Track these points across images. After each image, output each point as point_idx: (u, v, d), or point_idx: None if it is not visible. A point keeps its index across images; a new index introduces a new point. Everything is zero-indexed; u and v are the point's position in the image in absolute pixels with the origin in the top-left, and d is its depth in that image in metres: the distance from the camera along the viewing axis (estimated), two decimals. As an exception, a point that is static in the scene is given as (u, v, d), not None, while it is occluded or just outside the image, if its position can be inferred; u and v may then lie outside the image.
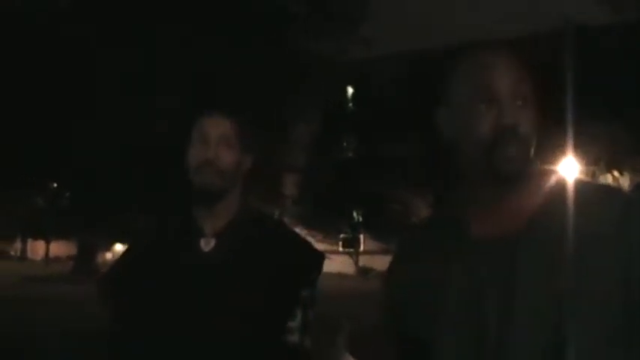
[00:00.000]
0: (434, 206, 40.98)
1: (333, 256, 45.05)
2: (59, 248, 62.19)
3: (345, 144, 46.05)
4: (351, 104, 46.05)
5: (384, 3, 35.13)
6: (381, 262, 45.81)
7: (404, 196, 42.86)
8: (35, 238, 62.22)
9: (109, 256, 72.96)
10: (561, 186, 1.76)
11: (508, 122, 1.70)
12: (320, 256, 2.74)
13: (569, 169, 28.14)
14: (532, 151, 1.75)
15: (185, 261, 2.59)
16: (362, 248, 48.22)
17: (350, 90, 46.13)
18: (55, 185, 35.54)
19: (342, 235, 47.75)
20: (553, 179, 1.79)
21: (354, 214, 46.44)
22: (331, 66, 28.73)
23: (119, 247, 73.92)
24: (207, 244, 2.60)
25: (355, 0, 28.54)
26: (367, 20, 29.39)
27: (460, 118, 1.78)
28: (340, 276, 42.11)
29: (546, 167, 1.85)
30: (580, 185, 1.77)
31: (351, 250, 46.74)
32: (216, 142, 2.58)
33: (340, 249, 47.52)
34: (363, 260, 46.52)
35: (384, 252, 45.66)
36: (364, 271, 44.60)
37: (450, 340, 1.71)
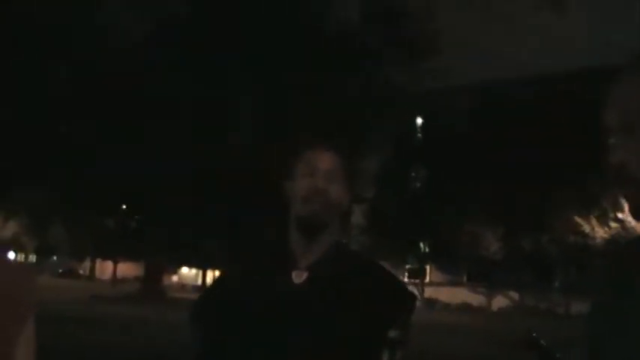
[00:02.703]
0: (503, 238, 40.53)
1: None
2: (127, 269, 63.08)
3: (413, 174, 45.91)
4: (420, 135, 45.94)
5: (456, 36, 35.04)
6: (446, 294, 45.50)
7: (471, 227, 42.54)
8: (104, 258, 63.26)
9: (175, 278, 73.78)
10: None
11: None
12: (412, 297, 2.72)
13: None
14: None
15: (276, 292, 2.60)
16: (427, 279, 47.93)
17: (420, 121, 46.04)
18: (125, 207, 36.06)
19: (407, 266, 47.53)
20: None
21: (421, 245, 46.20)
22: (403, 97, 28.71)
23: (185, 270, 74.72)
24: (299, 277, 2.61)
25: (427, 33, 28.53)
26: (438, 52, 29.29)
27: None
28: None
29: None
30: None
31: (417, 280, 46.48)
32: (324, 175, 2.60)
33: (406, 280, 47.32)
34: (429, 292, 46.24)
35: (450, 284, 45.39)
36: (430, 303, 44.31)
37: None
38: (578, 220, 38.08)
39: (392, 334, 2.45)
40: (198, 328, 2.74)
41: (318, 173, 2.59)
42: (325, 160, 2.63)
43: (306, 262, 2.60)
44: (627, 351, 1.65)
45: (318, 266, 2.59)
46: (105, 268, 68.73)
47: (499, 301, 45.25)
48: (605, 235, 37.52)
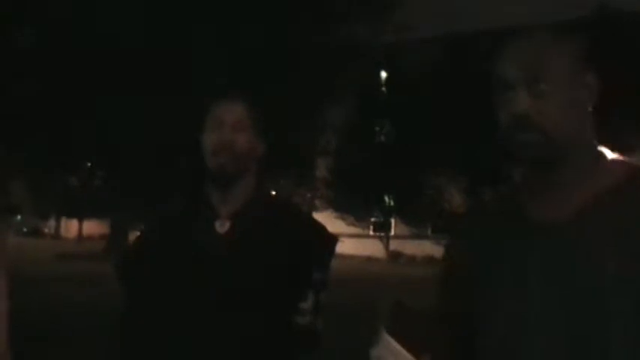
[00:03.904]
0: (465, 191, 40.81)
1: (363, 240, 45.10)
2: (92, 227, 62.74)
3: (377, 128, 45.92)
4: (384, 89, 45.89)
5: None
6: (411, 247, 45.80)
7: (436, 181, 42.74)
8: (69, 216, 62.81)
9: (141, 235, 73.68)
10: (632, 172, 1.75)
11: (518, 110, 1.72)
12: (333, 239, 2.77)
13: None
14: (558, 134, 1.73)
15: (200, 242, 2.64)
16: (393, 232, 48.18)
17: (384, 74, 45.98)
18: (90, 165, 35.79)
19: (373, 219, 47.73)
20: (613, 166, 1.78)
21: (386, 199, 46.38)
22: (366, 50, 28.61)
23: (151, 227, 74.64)
24: (222, 226, 2.65)
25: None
26: (402, 4, 29.15)
27: (496, 105, 1.83)
28: (370, 260, 42.16)
29: (607, 153, 1.82)
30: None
31: (382, 234, 46.70)
32: (231, 127, 2.62)
33: (371, 232, 47.52)
34: (394, 244, 46.49)
35: (415, 237, 45.66)
36: (394, 256, 44.60)
37: (498, 318, 1.74)
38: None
39: (316, 275, 2.50)
40: (126, 282, 2.76)
41: (224, 126, 2.62)
42: (231, 112, 2.65)
43: (227, 212, 2.65)
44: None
45: (239, 215, 2.64)
46: (70, 227, 68.30)
47: (463, 253, 45.53)
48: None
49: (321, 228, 2.80)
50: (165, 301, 2.61)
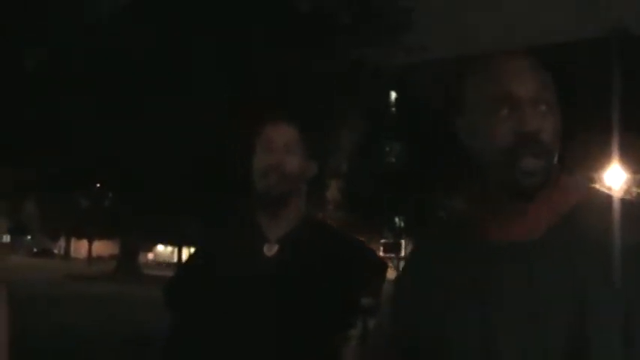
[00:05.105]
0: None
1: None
2: (102, 248, 62.96)
3: (388, 149, 46.00)
4: (394, 109, 46.00)
5: (429, 11, 35.10)
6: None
7: (447, 202, 42.73)
8: (79, 237, 63.08)
9: (150, 256, 73.75)
10: (586, 196, 1.71)
11: (528, 129, 1.63)
12: (383, 265, 2.74)
13: (614, 176, 27.94)
14: (554, 159, 1.68)
15: (248, 266, 2.61)
16: (403, 254, 48.14)
17: (394, 95, 46.09)
18: (99, 186, 35.96)
19: (383, 240, 47.71)
20: (578, 188, 1.74)
21: (396, 220, 46.37)
22: (375, 72, 28.77)
23: (160, 249, 74.70)
24: (270, 250, 2.62)
25: (400, 8, 28.61)
26: (412, 27, 29.36)
27: (477, 128, 1.71)
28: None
29: (571, 176, 1.80)
30: (604, 197, 1.72)
31: (392, 255, 46.68)
32: (280, 148, 2.61)
33: (381, 254, 47.47)
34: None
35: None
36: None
37: (461, 344, 1.68)
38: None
39: (364, 302, 2.47)
40: (173, 306, 2.75)
41: (273, 147, 2.60)
42: (280, 133, 2.64)
43: (275, 235, 2.62)
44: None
45: (289, 239, 2.62)
46: (80, 247, 68.55)
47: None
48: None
49: (371, 253, 2.78)
50: (212, 326, 2.59)
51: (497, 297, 1.65)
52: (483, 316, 1.65)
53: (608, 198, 1.72)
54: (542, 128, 1.63)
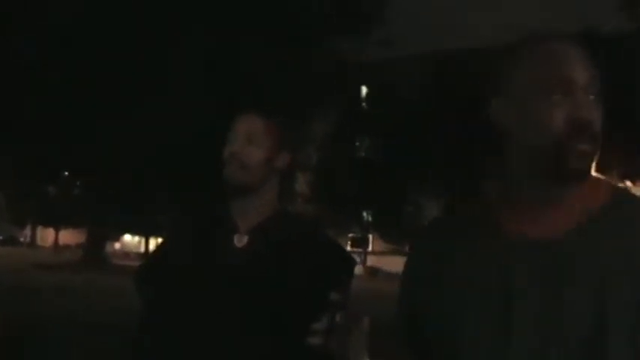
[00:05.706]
0: (445, 209, 40.90)
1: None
2: (68, 236, 62.46)
3: (357, 144, 46.02)
4: (365, 104, 46.01)
5: (403, 5, 35.11)
6: (388, 263, 45.90)
7: (415, 197, 42.84)
8: (45, 225, 62.51)
9: (117, 246, 73.22)
10: (618, 193, 1.70)
11: (584, 116, 1.61)
12: (351, 261, 2.76)
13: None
14: (598, 151, 1.65)
15: (218, 255, 2.62)
16: (370, 248, 48.26)
17: (365, 90, 46.10)
18: (67, 174, 35.65)
19: (350, 235, 47.78)
20: (606, 187, 1.71)
21: (364, 214, 46.45)
22: (347, 66, 28.75)
23: (128, 238, 74.19)
24: (240, 241, 2.63)
25: (374, 1, 28.62)
26: (386, 21, 29.38)
27: (525, 110, 1.67)
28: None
29: (598, 175, 1.71)
30: (631, 198, 1.70)
31: (360, 249, 46.75)
32: (242, 138, 2.62)
33: (349, 248, 47.56)
34: (371, 260, 46.55)
35: (393, 253, 45.77)
36: (372, 272, 44.65)
37: (475, 342, 1.64)
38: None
39: (333, 297, 2.49)
40: (142, 294, 2.76)
41: (236, 137, 2.62)
42: (246, 124, 2.66)
43: (246, 226, 2.64)
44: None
45: (259, 230, 2.63)
46: (46, 236, 67.97)
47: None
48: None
49: (340, 249, 2.79)
50: (180, 315, 2.60)
51: (520, 296, 1.62)
52: (503, 317, 1.61)
53: (636, 199, 1.71)
54: (594, 117, 1.62)
